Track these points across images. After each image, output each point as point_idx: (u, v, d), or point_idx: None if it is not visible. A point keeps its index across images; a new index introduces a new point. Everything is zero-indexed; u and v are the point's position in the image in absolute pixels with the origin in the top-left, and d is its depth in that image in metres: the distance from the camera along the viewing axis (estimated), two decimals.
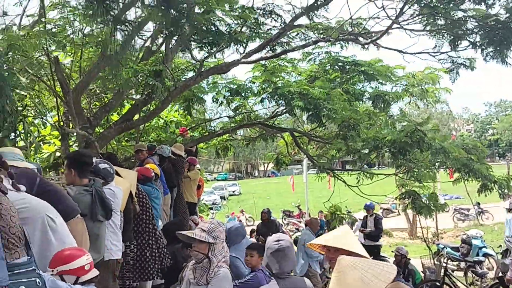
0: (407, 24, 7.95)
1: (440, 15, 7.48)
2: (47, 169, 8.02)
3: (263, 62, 9.03)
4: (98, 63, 6.75)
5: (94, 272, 2.97)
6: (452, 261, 13.13)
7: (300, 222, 23.74)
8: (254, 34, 7.72)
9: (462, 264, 12.79)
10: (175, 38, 7.36)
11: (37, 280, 2.50)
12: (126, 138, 10.25)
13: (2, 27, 6.56)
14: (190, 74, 9.10)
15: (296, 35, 8.74)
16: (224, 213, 30.39)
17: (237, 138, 12.68)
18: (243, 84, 9.54)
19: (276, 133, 11.63)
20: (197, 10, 6.46)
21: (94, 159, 4.25)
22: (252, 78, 9.56)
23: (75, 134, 7.23)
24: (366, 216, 12.69)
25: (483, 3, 7.30)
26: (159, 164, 7.26)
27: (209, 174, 53.75)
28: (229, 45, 7.52)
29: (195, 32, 6.91)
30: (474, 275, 11.60)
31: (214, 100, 9.69)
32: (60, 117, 7.61)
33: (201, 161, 14.77)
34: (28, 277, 2.46)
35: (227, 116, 10.80)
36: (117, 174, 4.82)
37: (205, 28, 6.81)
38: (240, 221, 19.24)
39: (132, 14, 6.66)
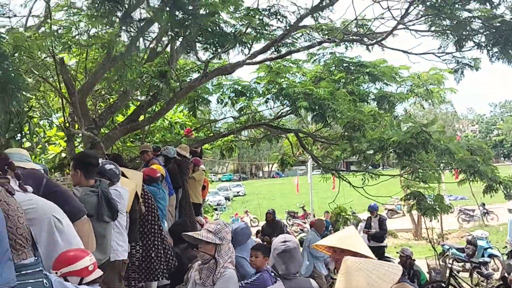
0: (412, 24, 7.95)
1: (445, 15, 7.47)
2: (53, 170, 8.02)
3: (268, 63, 9.03)
4: (104, 64, 6.76)
5: (98, 273, 2.99)
6: (458, 262, 13.06)
7: (304, 223, 23.66)
8: (259, 35, 7.72)
9: (468, 265, 12.77)
10: (180, 39, 7.38)
11: (44, 281, 2.51)
12: (131, 139, 10.25)
13: (8, 28, 6.58)
14: (195, 75, 9.11)
15: (301, 36, 8.71)
16: (229, 214, 30.39)
17: (242, 139, 12.67)
18: (248, 84, 9.56)
19: (281, 134, 11.62)
20: (202, 11, 6.47)
21: (100, 160, 4.27)
22: (257, 79, 9.58)
23: (80, 135, 7.24)
24: (370, 217, 12.65)
25: (487, 3, 7.27)
26: (164, 165, 7.25)
27: (213, 175, 53.75)
28: (234, 46, 7.52)
29: (200, 34, 6.92)
30: (479, 276, 11.58)
31: (219, 101, 9.71)
32: (65, 118, 7.62)
33: (205, 162, 14.78)
34: (35, 278, 2.47)
35: (232, 117, 10.82)
36: (123, 175, 4.84)
37: (210, 30, 6.82)
38: (244, 222, 19.22)
39: (137, 15, 6.68)
